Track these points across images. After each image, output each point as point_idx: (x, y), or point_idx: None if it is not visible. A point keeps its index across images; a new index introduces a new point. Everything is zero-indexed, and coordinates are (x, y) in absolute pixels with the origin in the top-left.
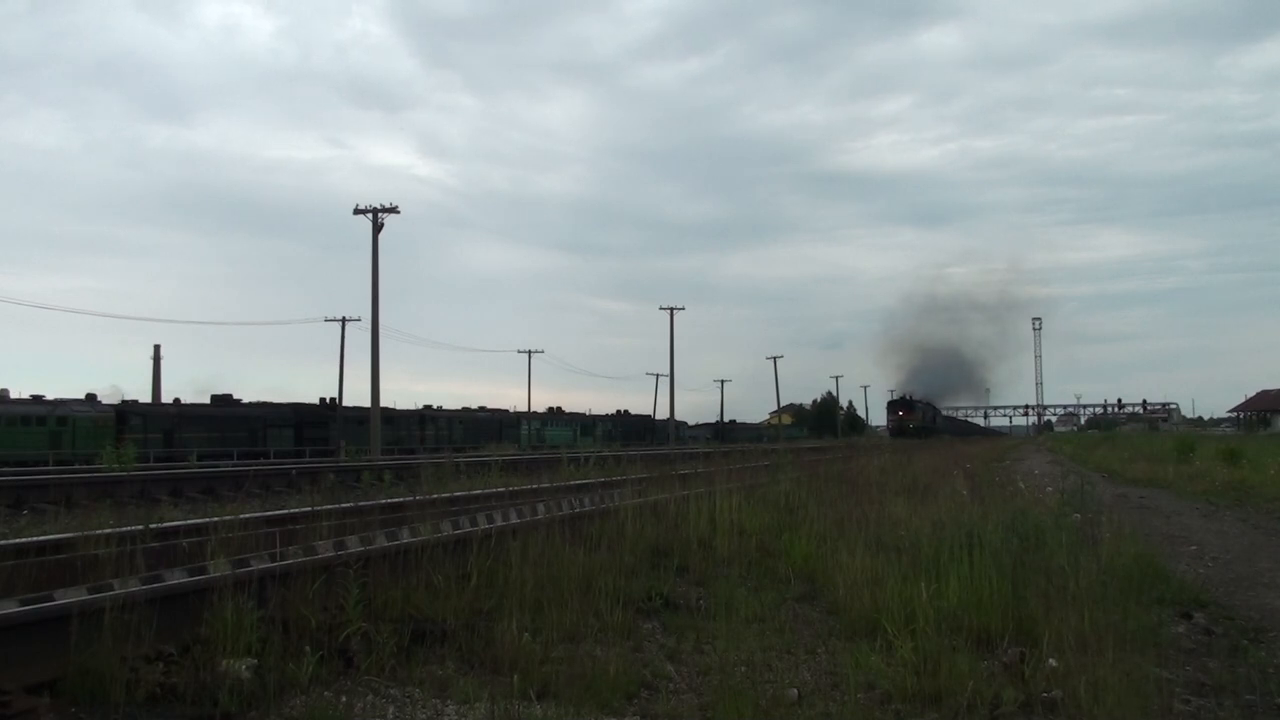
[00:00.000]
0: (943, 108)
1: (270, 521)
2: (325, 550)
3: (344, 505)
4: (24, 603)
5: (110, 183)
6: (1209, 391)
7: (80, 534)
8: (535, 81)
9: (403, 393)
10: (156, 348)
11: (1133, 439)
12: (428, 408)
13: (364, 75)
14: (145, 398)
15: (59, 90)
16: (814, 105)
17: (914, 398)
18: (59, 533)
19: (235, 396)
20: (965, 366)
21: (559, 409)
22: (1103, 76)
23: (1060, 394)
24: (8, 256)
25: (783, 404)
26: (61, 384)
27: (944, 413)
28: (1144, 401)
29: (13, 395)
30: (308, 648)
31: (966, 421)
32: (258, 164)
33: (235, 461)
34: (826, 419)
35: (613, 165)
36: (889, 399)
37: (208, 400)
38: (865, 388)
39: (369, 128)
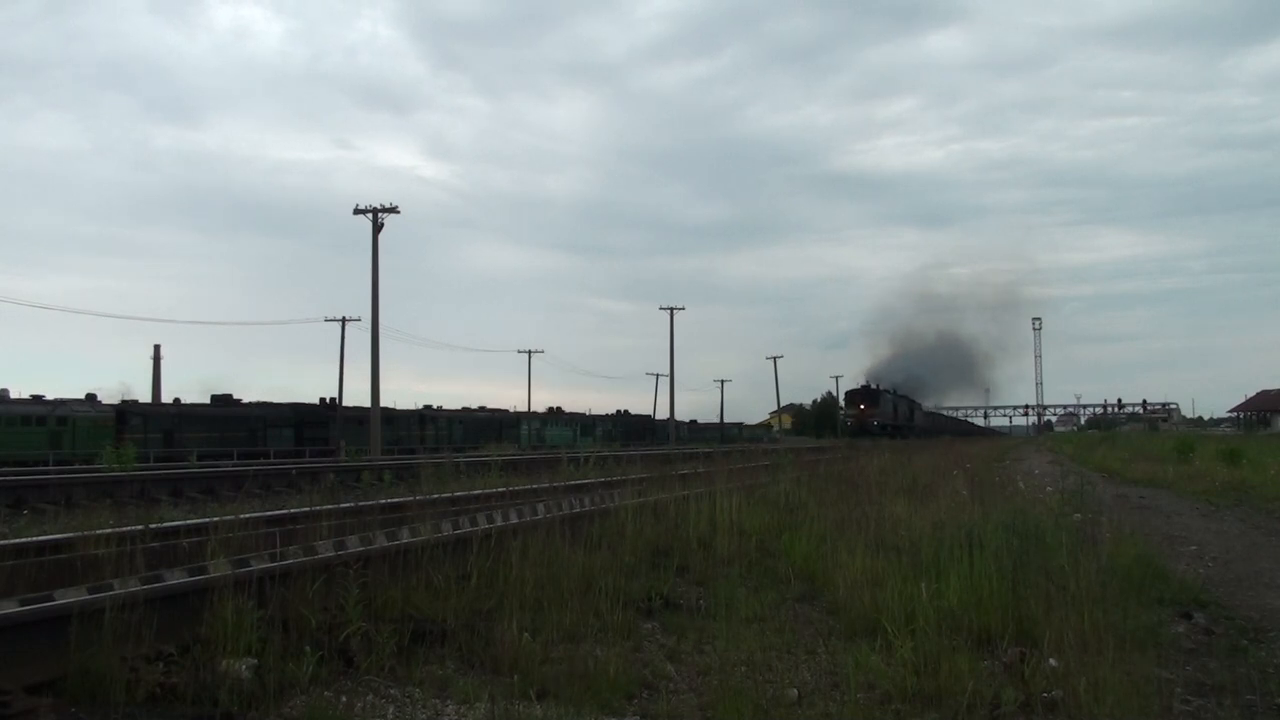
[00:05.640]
0: (947, 109)
1: (270, 521)
2: (325, 550)
3: (344, 505)
4: (24, 603)
5: (118, 184)
6: (1209, 391)
7: (80, 534)
8: (543, 83)
9: (403, 393)
10: (156, 348)
11: (1133, 439)
12: (428, 408)
13: (372, 77)
14: (149, 398)
15: (68, 92)
16: (819, 107)
17: (880, 387)
18: (59, 533)
19: (235, 396)
20: (962, 361)
21: (559, 409)
22: (1106, 79)
23: (1060, 394)
24: (17, 257)
25: (783, 404)
26: (63, 384)
27: (941, 411)
28: (1144, 401)
29: (13, 395)
30: (308, 648)
31: (964, 421)
32: (265, 165)
33: (235, 461)
34: (826, 419)
35: (618, 166)
36: (847, 389)
37: (209, 400)
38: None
39: (377, 129)
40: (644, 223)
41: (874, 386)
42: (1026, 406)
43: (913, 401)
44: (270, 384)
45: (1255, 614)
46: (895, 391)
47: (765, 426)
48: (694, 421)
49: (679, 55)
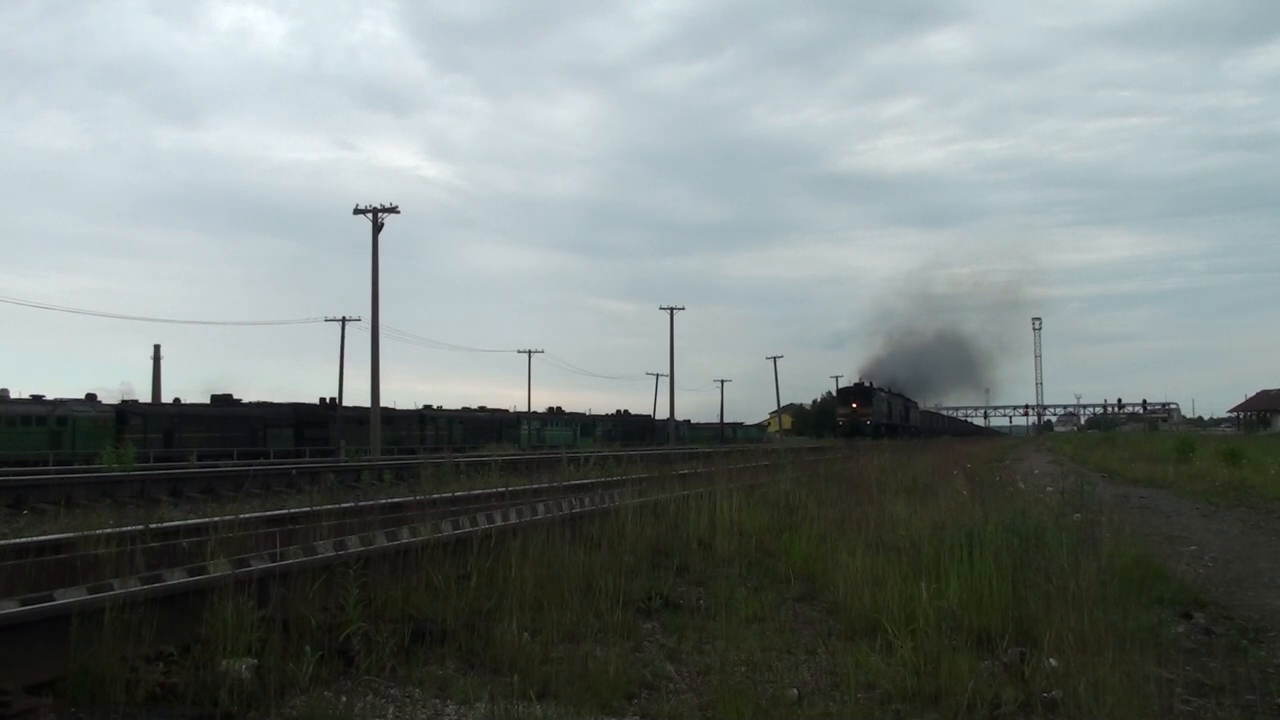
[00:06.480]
0: (948, 110)
1: (270, 521)
2: (325, 550)
3: (344, 505)
4: (24, 603)
5: (119, 185)
6: (1209, 391)
7: (80, 534)
8: (544, 84)
9: (403, 393)
10: (156, 348)
11: (1133, 439)
12: (428, 408)
13: (374, 78)
14: (149, 398)
15: (71, 93)
16: (820, 108)
17: (874, 385)
18: (59, 533)
19: (235, 396)
20: (962, 360)
21: (559, 409)
22: (1108, 79)
23: (1060, 394)
24: (17, 257)
25: (784, 404)
26: (63, 384)
27: (940, 411)
28: (1144, 401)
29: (13, 395)
30: (308, 647)
31: (963, 420)
32: (267, 166)
33: (235, 461)
34: (826, 419)
35: (620, 167)
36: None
37: (209, 400)
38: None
39: (378, 130)
40: (645, 223)
41: (868, 385)
42: (1026, 406)
43: (909, 400)
44: (270, 384)
45: (1255, 614)
46: (890, 390)
47: (759, 427)
48: (688, 421)
49: (680, 56)
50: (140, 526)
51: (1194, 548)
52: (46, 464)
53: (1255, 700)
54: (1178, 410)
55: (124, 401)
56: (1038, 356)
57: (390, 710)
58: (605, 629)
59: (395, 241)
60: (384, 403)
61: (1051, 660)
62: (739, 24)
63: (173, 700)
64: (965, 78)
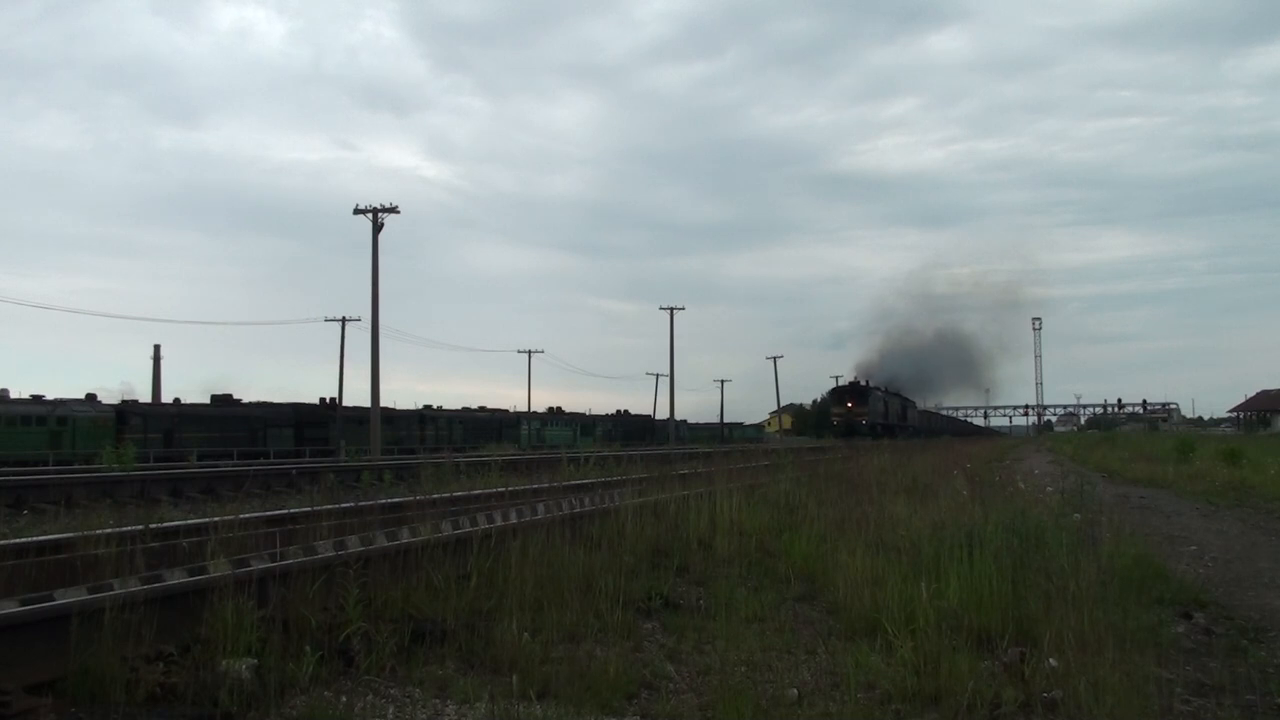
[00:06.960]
0: (949, 110)
1: (270, 521)
2: (325, 550)
3: (344, 505)
4: (24, 603)
5: (120, 185)
6: (1209, 391)
7: (80, 534)
8: (544, 84)
9: (403, 393)
10: (156, 348)
11: (1133, 439)
12: (428, 408)
13: (374, 78)
14: (149, 398)
15: (71, 93)
16: (820, 108)
17: (870, 384)
18: (59, 533)
19: (235, 396)
20: (962, 360)
21: (559, 409)
22: (1108, 79)
23: (1060, 394)
24: (17, 257)
25: (783, 404)
26: (63, 384)
27: (940, 410)
28: (1144, 401)
29: (13, 395)
30: (308, 647)
31: (963, 420)
32: (267, 166)
33: (235, 461)
34: (826, 419)
35: (620, 167)
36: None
37: (209, 400)
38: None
39: (378, 130)
40: (645, 223)
41: (863, 384)
42: (1026, 406)
43: (906, 400)
44: (270, 384)
45: (1255, 614)
46: (887, 389)
47: (758, 427)
48: (685, 421)
49: (680, 56)
50: (140, 526)
51: (1194, 548)
52: (46, 464)
53: (1255, 700)
54: (1178, 410)
55: (124, 401)
56: (1038, 356)
57: (390, 710)
58: (605, 629)
59: (395, 241)
60: (384, 403)
61: (1051, 660)
62: (739, 24)
63: (173, 700)
64: (965, 78)
